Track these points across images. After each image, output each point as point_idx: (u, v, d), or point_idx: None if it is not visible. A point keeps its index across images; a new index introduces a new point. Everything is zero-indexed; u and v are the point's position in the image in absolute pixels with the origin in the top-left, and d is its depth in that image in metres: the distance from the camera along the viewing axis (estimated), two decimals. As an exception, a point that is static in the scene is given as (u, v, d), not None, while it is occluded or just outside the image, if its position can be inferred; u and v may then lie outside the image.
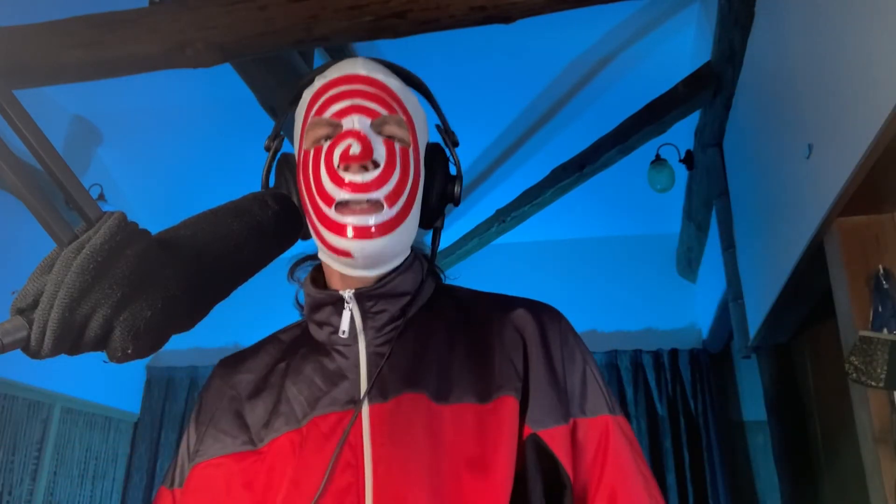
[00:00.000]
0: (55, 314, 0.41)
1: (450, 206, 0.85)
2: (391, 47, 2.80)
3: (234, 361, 0.83)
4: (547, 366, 0.73)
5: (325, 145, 0.73)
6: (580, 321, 3.58)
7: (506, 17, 1.80)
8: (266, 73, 2.19)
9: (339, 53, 2.83)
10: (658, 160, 3.10)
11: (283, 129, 0.85)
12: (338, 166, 0.71)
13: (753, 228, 2.30)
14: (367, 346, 0.74)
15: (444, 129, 0.85)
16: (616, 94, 3.07)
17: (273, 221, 0.54)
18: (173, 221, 0.50)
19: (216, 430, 0.75)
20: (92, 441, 3.78)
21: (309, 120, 0.76)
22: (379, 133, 0.74)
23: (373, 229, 0.70)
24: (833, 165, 1.42)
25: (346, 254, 0.71)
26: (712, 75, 2.44)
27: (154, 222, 0.47)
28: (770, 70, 1.93)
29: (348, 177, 0.70)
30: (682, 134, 2.98)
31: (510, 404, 0.70)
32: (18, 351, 0.41)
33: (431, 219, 0.81)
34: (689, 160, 3.04)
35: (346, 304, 0.74)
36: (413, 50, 2.52)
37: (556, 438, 0.70)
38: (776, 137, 1.89)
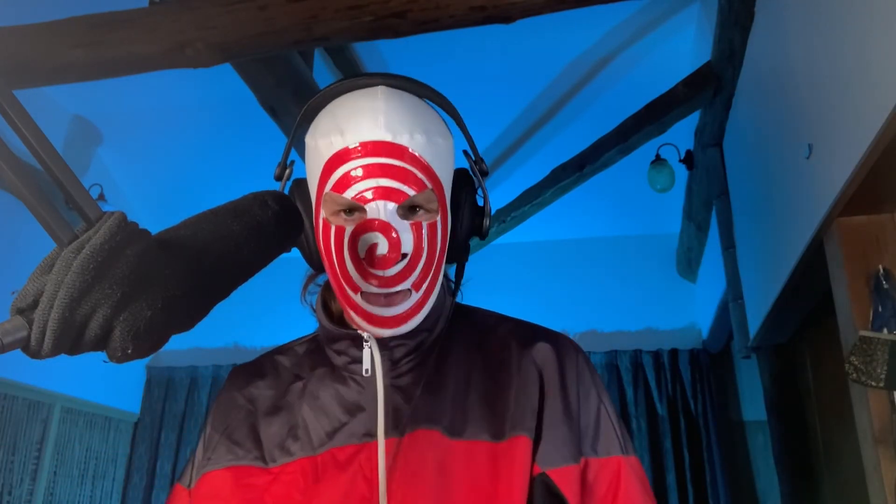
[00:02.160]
0: (55, 314, 0.41)
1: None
2: (391, 47, 2.80)
3: (251, 373, 0.82)
4: (562, 402, 0.73)
5: (348, 230, 0.69)
6: (580, 321, 3.58)
7: (506, 17, 1.80)
8: (266, 73, 2.19)
9: (339, 53, 2.83)
10: (658, 160, 3.10)
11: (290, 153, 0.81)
12: (363, 259, 0.68)
13: (753, 228, 2.30)
14: (385, 378, 0.74)
15: (474, 159, 0.79)
16: (616, 94, 3.07)
17: (273, 222, 0.54)
18: (173, 221, 0.50)
19: (230, 440, 0.75)
20: (92, 441, 3.78)
21: (326, 191, 0.69)
22: (405, 216, 0.69)
23: (400, 318, 0.71)
24: (833, 165, 1.42)
25: (373, 333, 0.72)
26: (712, 75, 2.44)
27: (154, 222, 0.47)
28: (770, 70, 1.93)
29: (375, 272, 0.68)
30: (682, 134, 2.98)
31: (523, 444, 0.69)
32: (18, 351, 0.41)
33: (457, 256, 0.79)
34: (689, 160, 3.04)
35: (364, 343, 0.74)
36: (413, 50, 2.52)
37: (565, 478, 0.69)
38: (776, 137, 1.89)
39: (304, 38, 1.88)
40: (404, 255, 0.68)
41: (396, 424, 0.71)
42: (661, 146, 3.07)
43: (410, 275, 0.69)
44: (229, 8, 1.88)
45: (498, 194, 3.37)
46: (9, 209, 2.95)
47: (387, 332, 0.71)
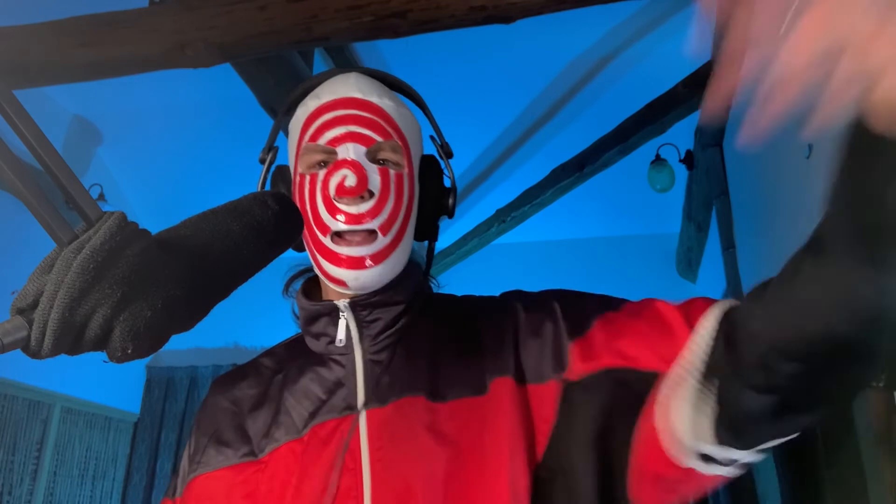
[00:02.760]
0: (55, 314, 0.41)
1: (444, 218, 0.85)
2: (391, 47, 2.80)
3: (232, 379, 0.84)
4: (532, 324, 0.73)
5: (321, 174, 0.74)
6: (580, 321, 3.50)
7: (506, 17, 1.80)
8: (266, 73, 2.19)
9: (339, 53, 2.83)
10: (658, 160, 3.10)
11: (276, 138, 0.85)
12: (334, 197, 0.73)
13: (753, 228, 2.30)
14: (364, 354, 0.75)
15: (439, 142, 0.85)
16: (616, 94, 3.07)
17: (273, 222, 0.54)
18: (173, 221, 0.50)
19: (218, 443, 0.76)
20: (92, 441, 3.78)
21: (303, 144, 0.76)
22: (373, 160, 0.75)
23: (367, 261, 0.73)
24: (833, 165, 1.42)
25: (340, 282, 0.74)
26: (712, 75, 2.44)
27: (154, 222, 0.47)
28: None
29: (343, 207, 0.72)
30: (682, 134, 2.98)
31: (505, 385, 0.70)
32: (18, 351, 0.41)
33: (425, 232, 0.83)
34: (689, 160, 3.04)
35: (341, 314, 0.76)
36: (413, 50, 2.52)
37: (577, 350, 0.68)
38: (776, 137, 1.89)
39: (304, 38, 1.88)
40: (371, 194, 0.73)
41: (378, 396, 0.71)
42: (661, 146, 3.07)
43: (377, 214, 0.73)
44: (229, 8, 1.88)
45: (498, 194, 3.38)
46: (9, 209, 2.95)
47: (353, 275, 0.73)
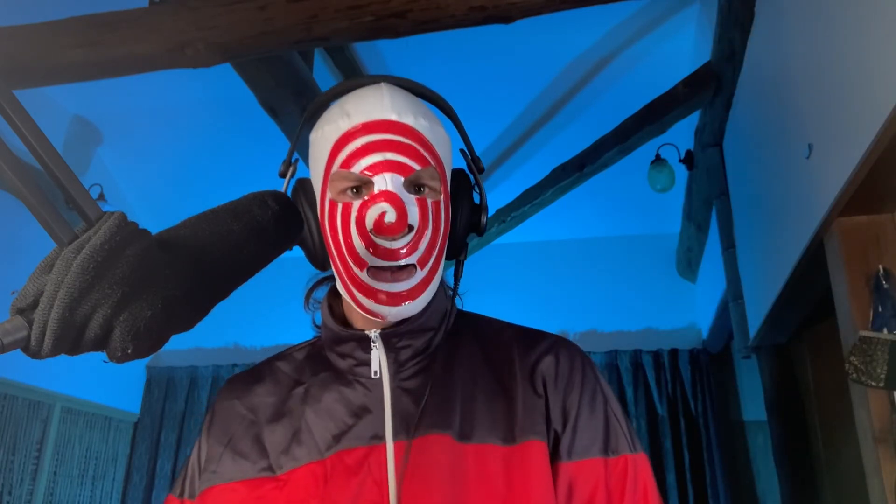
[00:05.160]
0: (55, 314, 0.41)
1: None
2: (391, 47, 2.80)
3: (249, 382, 0.81)
4: (563, 405, 0.73)
5: (356, 204, 0.70)
6: (580, 321, 3.58)
7: (506, 17, 1.80)
8: (266, 73, 2.19)
9: (339, 53, 2.83)
10: (658, 160, 3.10)
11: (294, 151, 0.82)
12: (371, 231, 0.69)
13: (753, 228, 2.30)
14: (392, 381, 0.73)
15: (470, 157, 0.81)
16: (616, 94, 3.07)
17: (273, 222, 0.54)
18: (173, 221, 0.50)
19: (234, 452, 0.74)
20: (92, 441, 3.78)
21: (333, 170, 0.71)
22: (411, 190, 0.71)
23: (406, 300, 0.71)
24: (833, 165, 1.42)
25: (377, 315, 0.72)
26: (712, 75, 2.44)
27: (154, 222, 0.47)
28: (770, 70, 1.93)
29: (381, 242, 0.69)
30: (682, 134, 2.98)
31: (537, 448, 0.69)
32: (18, 351, 0.41)
33: (456, 251, 0.80)
34: (689, 160, 3.04)
35: (372, 344, 0.74)
36: (413, 50, 2.52)
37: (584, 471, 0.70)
38: (776, 137, 1.89)
39: (304, 38, 1.88)
40: (410, 228, 0.69)
41: (405, 427, 0.70)
42: (661, 146, 3.07)
43: (416, 249, 0.70)
44: (229, 8, 1.88)
45: (498, 194, 3.37)
46: (9, 209, 2.95)
47: (393, 311, 0.71)
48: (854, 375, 1.32)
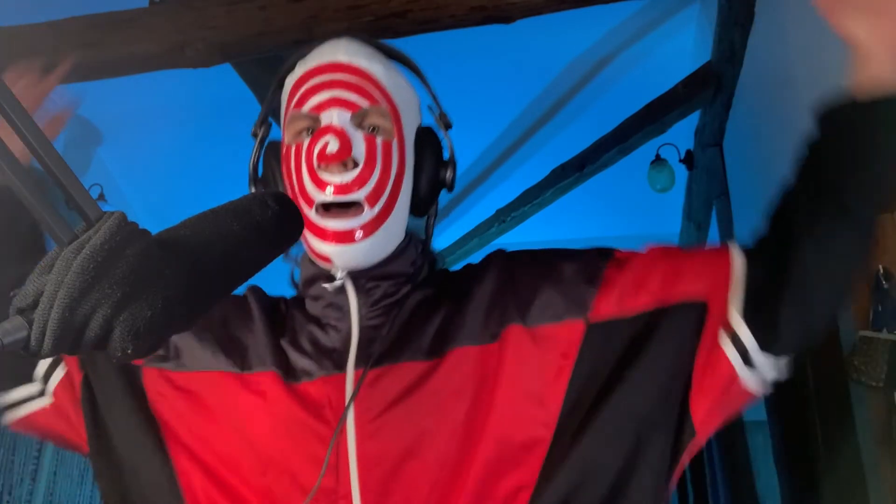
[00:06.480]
0: (55, 314, 0.41)
1: (447, 196, 0.85)
2: (391, 47, 2.80)
3: (265, 300, 0.81)
4: (516, 288, 0.73)
5: (305, 142, 0.71)
6: (580, 321, 3.51)
7: (506, 17, 1.80)
8: (266, 73, 2.19)
9: (339, 53, 2.83)
10: (658, 160, 3.10)
11: (271, 114, 0.83)
12: (317, 166, 0.69)
13: (753, 228, 2.30)
14: (361, 321, 0.73)
15: (437, 112, 0.81)
16: (616, 94, 3.07)
17: (273, 222, 0.54)
18: (173, 221, 0.50)
19: (219, 344, 0.75)
20: (92, 441, 3.78)
21: (289, 112, 0.74)
22: (360, 127, 0.71)
23: (355, 234, 0.70)
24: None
25: (325, 258, 0.71)
26: (712, 75, 2.44)
27: (154, 222, 0.47)
28: (770, 70, 1.93)
29: (327, 177, 0.69)
30: (682, 134, 2.98)
31: (515, 332, 0.70)
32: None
33: (424, 207, 0.79)
34: (689, 160, 3.04)
35: (344, 285, 0.74)
36: (413, 50, 2.51)
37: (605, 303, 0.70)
38: (776, 137, 1.89)
39: (304, 38, 1.88)
40: (356, 164, 0.70)
41: (369, 358, 0.70)
42: (661, 146, 3.07)
43: (363, 185, 0.70)
44: (229, 8, 1.88)
45: (498, 194, 3.38)
46: (9, 209, 2.95)
47: (339, 250, 0.70)
48: (854, 375, 1.32)
